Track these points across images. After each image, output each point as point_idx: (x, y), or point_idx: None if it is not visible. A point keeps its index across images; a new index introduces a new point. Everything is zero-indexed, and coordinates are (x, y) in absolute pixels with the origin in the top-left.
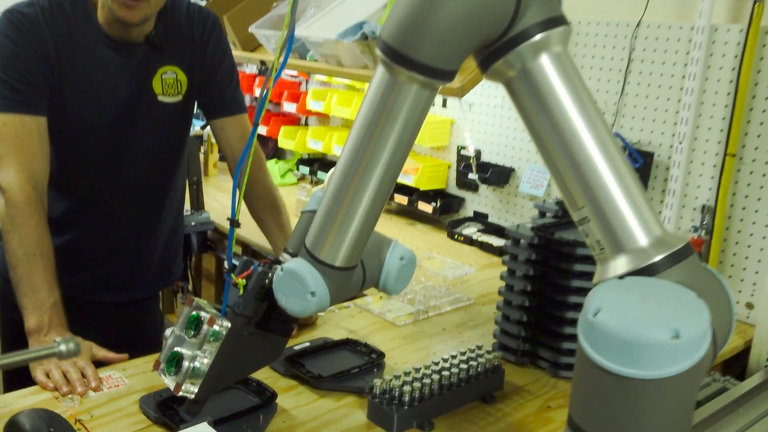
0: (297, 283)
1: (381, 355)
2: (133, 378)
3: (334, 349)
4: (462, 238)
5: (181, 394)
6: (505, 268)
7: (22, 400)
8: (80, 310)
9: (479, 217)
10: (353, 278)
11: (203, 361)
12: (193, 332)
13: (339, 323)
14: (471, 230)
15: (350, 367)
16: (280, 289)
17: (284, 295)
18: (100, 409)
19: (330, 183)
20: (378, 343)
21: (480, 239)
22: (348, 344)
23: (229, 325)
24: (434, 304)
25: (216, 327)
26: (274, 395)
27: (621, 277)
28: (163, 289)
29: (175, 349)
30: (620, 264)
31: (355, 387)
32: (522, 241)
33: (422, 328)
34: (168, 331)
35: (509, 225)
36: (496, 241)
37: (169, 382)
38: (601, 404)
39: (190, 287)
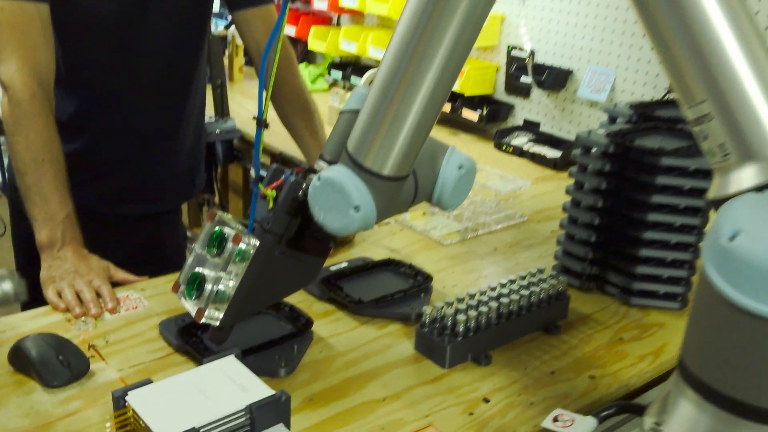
0: (337, 196)
1: (428, 277)
2: (153, 299)
3: (375, 270)
4: (511, 149)
5: (203, 321)
6: (562, 182)
7: (31, 322)
8: (95, 224)
9: (530, 126)
10: (404, 190)
11: (228, 283)
12: (216, 251)
13: (379, 241)
14: (521, 140)
15: (394, 292)
16: (316, 202)
17: (321, 210)
18: (116, 333)
19: (378, 77)
20: (423, 264)
21: (531, 150)
22: (390, 265)
23: (257, 243)
24: (484, 221)
25: (242, 245)
26: (309, 322)
27: (760, 189)
28: (185, 202)
29: (197, 269)
30: (750, 174)
31: (400, 314)
32: (594, 149)
33: (471, 248)
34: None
35: (566, 134)
36: (550, 152)
37: (190, 306)
38: (733, 352)
39: (216, 200)
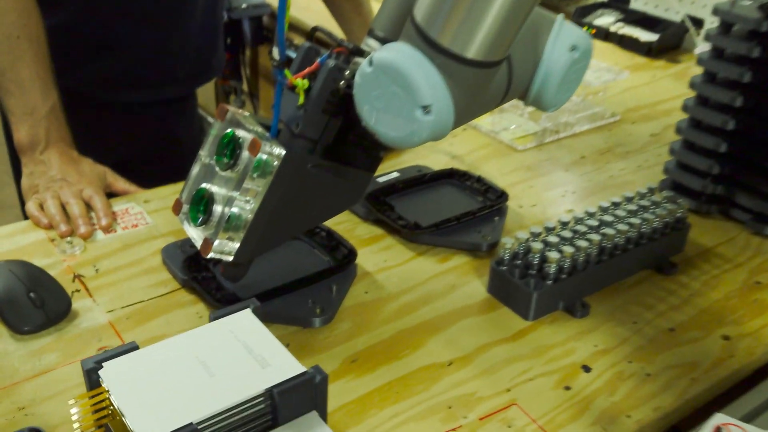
0: (397, 89)
1: (502, 195)
2: (158, 215)
3: (434, 184)
4: (593, 31)
5: (211, 255)
6: (658, 72)
7: (6, 241)
8: (88, 115)
9: (617, 2)
10: (494, 83)
11: (244, 206)
12: (227, 161)
13: (435, 145)
14: (606, 20)
15: (460, 214)
16: (366, 98)
17: (373, 110)
18: (109, 260)
19: None
20: (492, 175)
21: (621, 32)
22: (454, 177)
23: (283, 152)
24: (566, 120)
25: (262, 155)
26: (352, 253)
27: None
28: (199, 87)
29: (203, 185)
30: None
31: (469, 243)
32: (737, 26)
33: (552, 155)
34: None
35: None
36: (644, 35)
37: (195, 235)
38: None
39: (244, 87)
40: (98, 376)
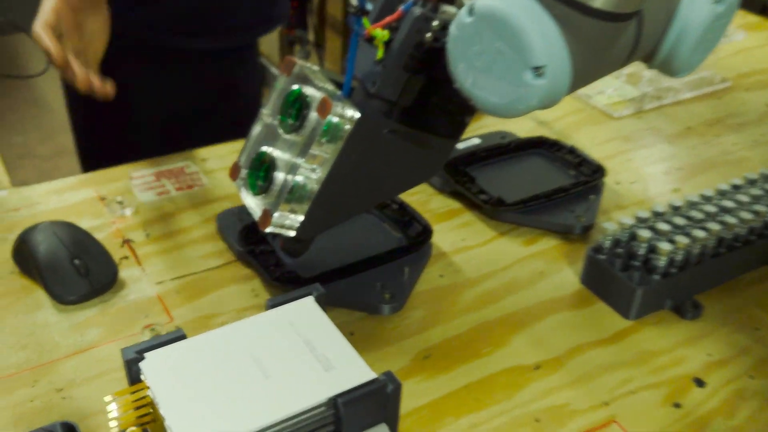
0: (504, 45)
1: (598, 170)
2: (215, 176)
3: (520, 154)
4: None
5: (270, 230)
6: None
7: (54, 197)
8: (146, 62)
9: None
10: (620, 41)
11: (310, 174)
12: (292, 122)
13: None
14: None
15: (551, 190)
16: (463, 54)
17: (471, 70)
18: (161, 224)
19: None
20: (585, 145)
21: None
22: (542, 147)
23: (356, 114)
24: (669, 85)
25: (332, 118)
26: (427, 231)
27: None
28: (261, 36)
29: (264, 148)
30: None
31: (560, 224)
32: None
33: (652, 124)
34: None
35: None
36: None
37: (253, 204)
38: None
39: (310, 37)
40: (139, 369)
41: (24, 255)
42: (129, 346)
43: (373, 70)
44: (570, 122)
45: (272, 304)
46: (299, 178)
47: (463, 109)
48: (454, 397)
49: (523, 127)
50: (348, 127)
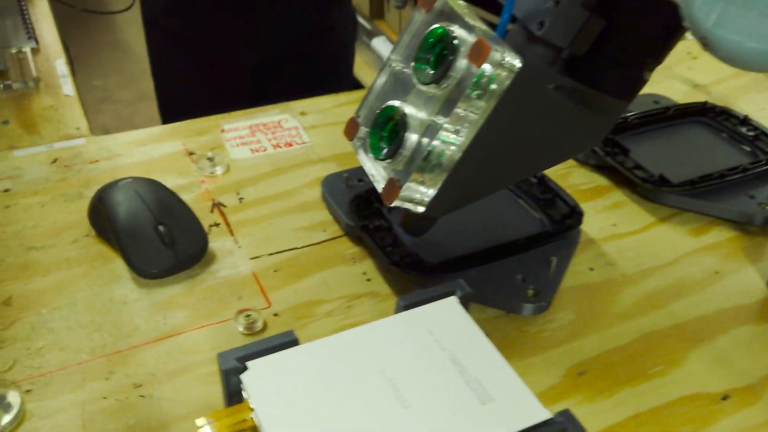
0: None
1: None
2: (317, 132)
3: (680, 123)
4: None
5: (396, 204)
6: None
7: (137, 150)
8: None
9: None
10: None
11: (452, 137)
12: (432, 71)
13: (669, 68)
14: None
15: (726, 169)
16: None
17: (714, 2)
18: (256, 186)
19: None
20: (753, 115)
21: None
22: (706, 115)
23: (518, 64)
24: None
25: (487, 67)
26: (577, 214)
27: None
28: None
29: (392, 103)
30: None
31: (737, 211)
32: None
33: None
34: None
35: None
36: None
37: (375, 171)
38: None
39: None
40: (239, 381)
41: (101, 216)
42: (227, 351)
43: (541, 7)
44: (732, 86)
45: (406, 305)
46: (437, 142)
47: (644, 63)
48: (620, 429)
49: (672, 90)
50: (507, 80)
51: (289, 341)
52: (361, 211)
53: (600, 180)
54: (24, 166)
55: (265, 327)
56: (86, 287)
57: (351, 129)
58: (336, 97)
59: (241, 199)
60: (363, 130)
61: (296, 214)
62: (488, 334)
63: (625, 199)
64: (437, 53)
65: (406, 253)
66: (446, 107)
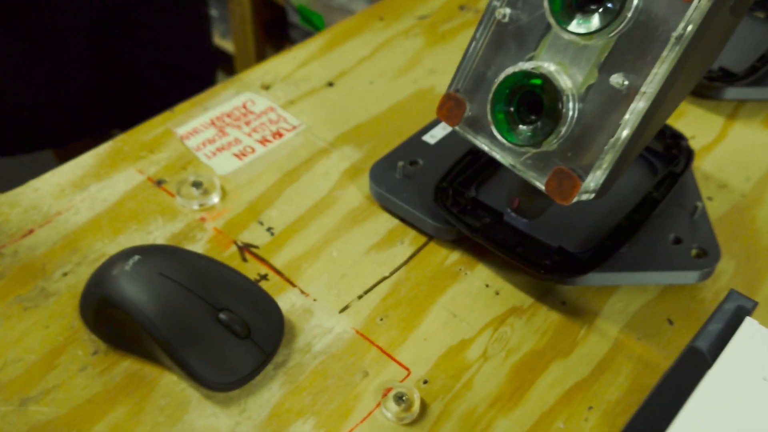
0: None
1: None
2: (304, 109)
3: None
4: None
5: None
6: None
7: (77, 199)
8: None
9: None
10: None
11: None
12: (592, 10)
13: None
14: None
15: None
16: None
17: None
18: (277, 207)
19: None
20: None
21: None
22: None
23: None
24: None
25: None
26: (681, 139)
27: None
28: None
29: (524, 65)
30: None
31: None
32: None
33: None
34: None
35: None
36: None
37: (512, 159)
38: None
39: None
40: None
41: (116, 322)
42: None
43: None
44: None
45: (701, 347)
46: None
47: None
48: None
49: None
50: (698, 16)
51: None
52: (449, 206)
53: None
54: None
55: (424, 406)
56: None
57: (453, 110)
58: (292, 54)
59: (269, 230)
60: (471, 107)
61: (352, 231)
62: (672, 319)
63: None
64: None
65: (544, 249)
66: (621, 59)
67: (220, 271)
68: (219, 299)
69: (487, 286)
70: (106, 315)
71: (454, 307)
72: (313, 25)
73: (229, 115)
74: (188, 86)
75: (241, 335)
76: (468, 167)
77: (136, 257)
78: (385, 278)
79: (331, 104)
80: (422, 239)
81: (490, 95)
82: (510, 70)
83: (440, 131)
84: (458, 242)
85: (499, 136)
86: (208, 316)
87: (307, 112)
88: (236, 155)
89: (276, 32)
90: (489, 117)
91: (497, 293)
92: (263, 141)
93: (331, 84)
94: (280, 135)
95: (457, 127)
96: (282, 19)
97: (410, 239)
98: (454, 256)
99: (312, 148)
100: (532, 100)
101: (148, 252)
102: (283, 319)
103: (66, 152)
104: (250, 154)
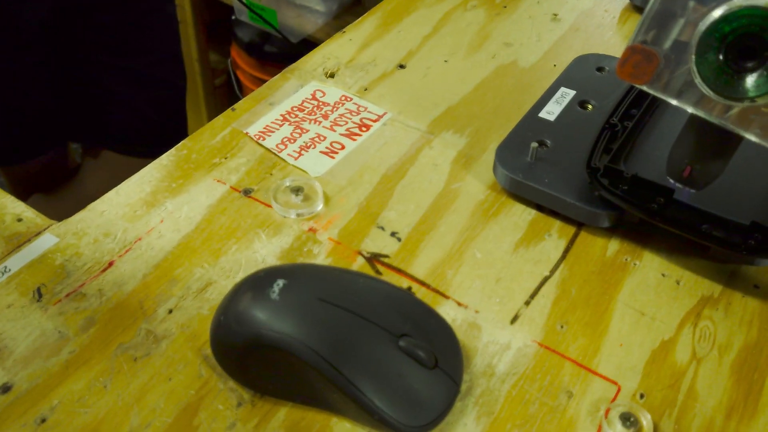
0: None
1: None
2: (383, 95)
3: None
4: None
5: None
6: None
7: (152, 219)
8: None
9: None
10: None
11: None
12: None
13: None
14: None
15: None
16: None
17: None
18: (393, 208)
19: None
20: None
21: None
22: None
23: None
24: None
25: None
26: None
27: None
28: None
29: (738, 2)
30: None
31: None
32: None
33: None
34: None
35: None
36: None
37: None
38: None
39: None
40: None
41: (273, 367)
42: None
43: None
44: None
45: None
46: None
47: None
48: None
49: None
50: None
51: None
52: (617, 190)
53: None
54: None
55: (654, 425)
56: None
57: (642, 65)
58: (346, 36)
59: (394, 235)
60: (663, 63)
61: (489, 227)
62: None
63: None
64: None
65: (733, 226)
66: None
67: (379, 289)
68: (394, 324)
69: (663, 275)
70: (257, 358)
71: (638, 304)
72: (266, 22)
73: (301, 109)
74: (157, 94)
75: (429, 365)
76: (610, 142)
77: (280, 282)
78: (547, 278)
79: (410, 88)
80: (570, 229)
81: (694, 42)
82: (722, 10)
83: (555, 106)
84: (611, 229)
85: (707, 90)
86: (387, 346)
87: (387, 98)
88: (325, 153)
89: (221, 33)
90: (694, 68)
91: (678, 283)
92: (350, 135)
93: (402, 66)
94: (367, 127)
95: (644, 86)
96: (227, 19)
97: (557, 230)
98: (614, 245)
99: (408, 138)
100: (744, 46)
101: (291, 274)
102: (458, 340)
103: (14, 171)
104: (341, 151)
